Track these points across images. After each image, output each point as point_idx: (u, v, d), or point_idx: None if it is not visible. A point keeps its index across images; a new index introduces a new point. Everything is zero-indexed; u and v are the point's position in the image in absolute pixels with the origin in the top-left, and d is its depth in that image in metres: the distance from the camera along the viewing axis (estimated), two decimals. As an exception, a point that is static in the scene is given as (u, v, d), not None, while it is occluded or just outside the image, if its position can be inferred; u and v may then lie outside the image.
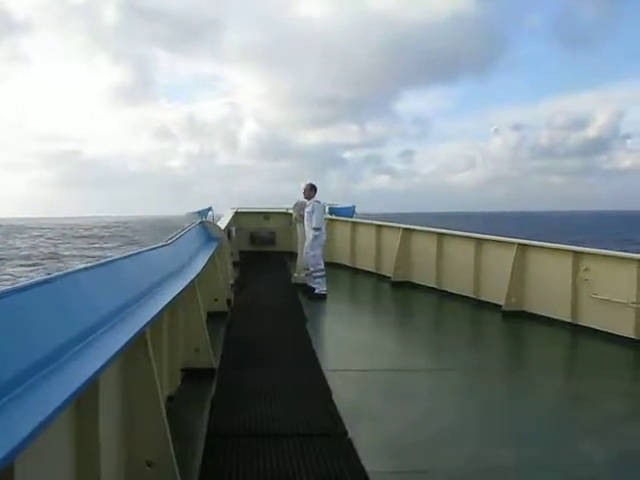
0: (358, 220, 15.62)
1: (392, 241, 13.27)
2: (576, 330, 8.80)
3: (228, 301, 10.13)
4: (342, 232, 15.61)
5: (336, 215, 16.32)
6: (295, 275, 12.75)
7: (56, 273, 3.15)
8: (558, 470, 4.45)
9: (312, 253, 11.58)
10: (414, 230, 13.09)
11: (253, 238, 17.97)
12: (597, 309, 8.56)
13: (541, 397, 6.22)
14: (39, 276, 3.07)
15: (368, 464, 4.31)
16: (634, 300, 7.97)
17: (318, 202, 11.73)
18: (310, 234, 11.58)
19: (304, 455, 4.46)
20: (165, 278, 5.33)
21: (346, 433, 4.89)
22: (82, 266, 3.60)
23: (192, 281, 6.05)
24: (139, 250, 5.24)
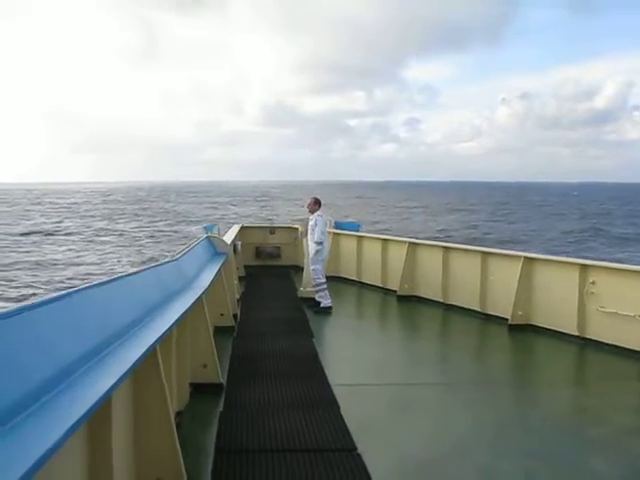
0: (364, 234, 15.65)
1: (398, 255, 13.27)
2: (583, 343, 8.78)
3: (234, 316, 10.14)
4: (348, 246, 15.62)
5: (341, 229, 16.35)
6: (301, 289, 12.76)
7: (68, 290, 3.18)
8: None
9: (313, 267, 11.61)
10: (420, 244, 13.11)
11: (258, 252, 18.00)
12: (604, 322, 8.54)
13: (549, 411, 6.20)
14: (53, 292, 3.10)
15: (378, 479, 4.31)
16: None
17: (321, 216, 11.77)
18: (312, 248, 11.62)
19: (313, 470, 4.45)
20: (174, 294, 5.36)
21: (355, 448, 4.88)
22: (93, 282, 3.63)
23: (200, 297, 6.07)
24: (147, 266, 5.28)
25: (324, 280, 11.63)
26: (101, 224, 57.26)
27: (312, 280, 11.66)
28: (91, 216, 67.39)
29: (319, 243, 11.59)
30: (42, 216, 66.43)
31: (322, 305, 11.43)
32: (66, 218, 63.88)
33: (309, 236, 11.81)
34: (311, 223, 11.71)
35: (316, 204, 11.85)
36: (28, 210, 76.14)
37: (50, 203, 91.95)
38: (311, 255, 11.66)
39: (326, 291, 11.55)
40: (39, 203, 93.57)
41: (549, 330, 9.42)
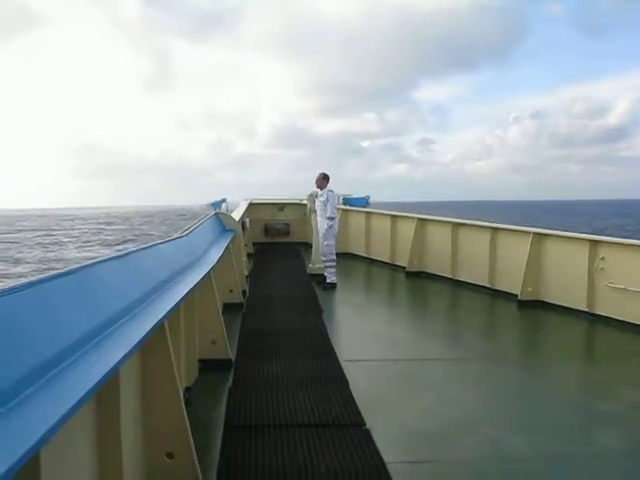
0: (373, 210, 15.61)
1: (407, 231, 13.25)
2: (592, 319, 8.76)
3: (243, 292, 10.16)
4: (357, 222, 15.60)
5: (350, 205, 16.31)
6: (310, 266, 12.77)
7: (76, 265, 3.17)
8: (575, 459, 4.44)
9: (326, 243, 11.61)
10: (429, 220, 13.07)
11: (267, 229, 17.99)
12: (613, 298, 8.51)
13: (557, 386, 6.20)
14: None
15: (386, 454, 4.32)
16: None
17: (332, 191, 11.73)
18: (324, 224, 11.59)
19: (322, 446, 4.47)
20: (182, 269, 5.35)
21: (364, 423, 4.90)
22: (101, 258, 3.62)
23: (208, 272, 6.07)
24: (156, 242, 5.26)
25: (335, 256, 11.67)
26: (132, 246, 55.52)
27: (324, 255, 11.65)
28: (123, 237, 65.33)
29: (332, 218, 11.59)
30: (69, 241, 64.32)
31: (328, 281, 11.46)
32: (89, 242, 61.80)
33: (319, 212, 11.78)
34: (322, 199, 11.67)
35: (324, 179, 11.80)
36: (51, 235, 73.88)
37: (71, 229, 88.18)
38: (324, 231, 11.63)
39: (335, 268, 11.58)
40: (67, 228, 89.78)
41: (558, 306, 9.40)
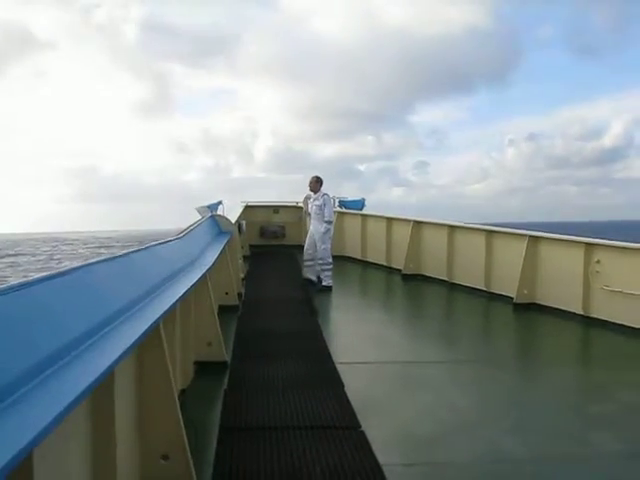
0: (368, 213, 15.61)
1: (403, 234, 13.25)
2: (588, 322, 8.77)
3: (239, 295, 10.15)
4: (352, 225, 15.60)
5: (346, 208, 16.32)
6: (305, 268, 12.76)
7: (72, 265, 3.16)
8: (572, 461, 4.44)
9: (324, 246, 11.60)
10: (424, 223, 13.08)
11: (263, 232, 18.00)
12: (609, 301, 8.51)
13: (553, 389, 6.20)
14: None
15: (381, 456, 4.32)
16: None
17: (327, 195, 11.73)
18: (322, 227, 11.58)
19: (317, 448, 4.46)
20: (177, 271, 5.34)
21: (359, 425, 4.89)
22: (97, 259, 3.61)
23: (204, 274, 6.06)
24: (151, 244, 5.25)
25: (332, 260, 11.68)
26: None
27: (321, 258, 11.63)
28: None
29: (330, 222, 11.60)
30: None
31: (324, 284, 11.45)
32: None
33: (314, 215, 11.76)
34: (318, 203, 11.64)
35: (318, 182, 11.80)
36: (54, 259, 72.02)
37: (72, 253, 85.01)
38: (320, 234, 11.60)
39: (331, 271, 11.58)
40: (69, 252, 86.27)
41: (554, 309, 9.41)
